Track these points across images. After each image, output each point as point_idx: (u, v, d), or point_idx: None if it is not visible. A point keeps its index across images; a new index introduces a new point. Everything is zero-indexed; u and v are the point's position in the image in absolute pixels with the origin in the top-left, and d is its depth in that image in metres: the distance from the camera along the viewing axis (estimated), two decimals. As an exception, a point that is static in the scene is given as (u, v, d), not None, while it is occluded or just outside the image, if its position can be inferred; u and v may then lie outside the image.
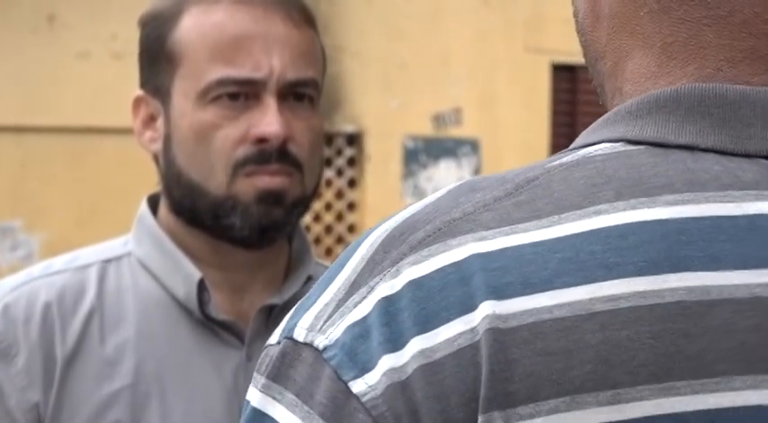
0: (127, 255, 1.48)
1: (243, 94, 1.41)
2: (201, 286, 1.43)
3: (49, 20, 5.52)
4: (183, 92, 1.43)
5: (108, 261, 1.48)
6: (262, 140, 1.40)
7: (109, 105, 5.44)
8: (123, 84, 5.55)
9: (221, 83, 1.41)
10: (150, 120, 1.47)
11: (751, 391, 0.65)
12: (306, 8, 1.49)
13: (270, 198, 1.41)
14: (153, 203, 1.50)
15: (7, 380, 1.40)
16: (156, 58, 1.45)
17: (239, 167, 1.40)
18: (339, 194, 5.95)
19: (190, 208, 1.44)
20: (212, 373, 1.42)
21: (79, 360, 1.41)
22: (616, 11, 0.76)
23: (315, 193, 1.49)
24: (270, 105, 1.41)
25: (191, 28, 1.43)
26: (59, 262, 1.49)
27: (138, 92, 1.49)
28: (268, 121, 1.40)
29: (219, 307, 1.45)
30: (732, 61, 0.72)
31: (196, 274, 1.43)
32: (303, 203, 1.46)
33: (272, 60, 1.42)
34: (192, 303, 1.43)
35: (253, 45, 1.42)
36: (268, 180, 1.41)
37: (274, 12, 1.43)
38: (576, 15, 0.81)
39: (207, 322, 1.44)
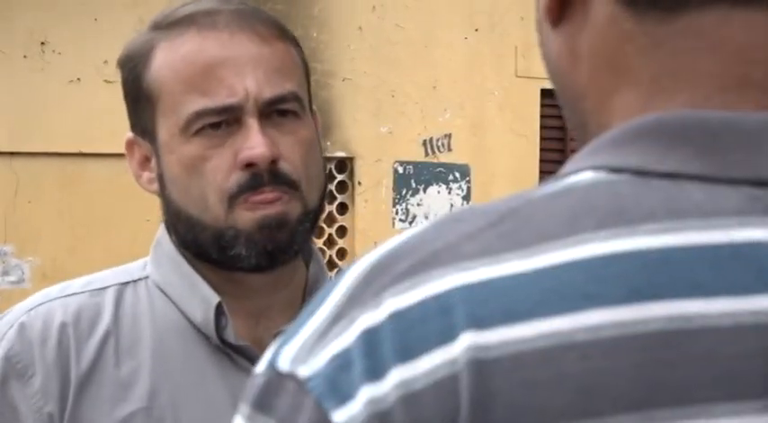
0: (145, 278, 1.47)
1: (224, 121, 1.39)
2: (219, 310, 1.41)
3: (41, 46, 5.53)
4: (166, 129, 1.41)
5: (125, 284, 1.47)
6: (250, 165, 1.38)
7: (101, 131, 5.45)
8: (115, 109, 5.52)
9: (199, 115, 1.38)
10: (145, 161, 1.45)
11: (731, 417, 0.65)
12: (274, 21, 1.46)
13: (271, 224, 1.38)
14: (168, 227, 1.47)
15: (24, 400, 1.38)
16: (138, 100, 1.44)
17: (234, 198, 1.38)
18: (329, 219, 5.96)
19: (194, 242, 1.42)
20: (228, 399, 1.40)
21: (93, 382, 1.39)
22: (597, 49, 0.76)
23: (321, 206, 1.46)
24: (252, 128, 1.38)
25: (162, 64, 1.41)
26: (76, 284, 1.47)
27: (129, 134, 1.48)
28: (252, 144, 1.37)
29: (236, 332, 1.43)
30: (723, 89, 0.72)
31: (214, 298, 1.41)
32: (308, 219, 1.42)
33: (246, 82, 1.39)
34: (210, 328, 1.41)
35: (224, 71, 1.39)
36: (266, 209, 1.38)
37: (241, 32, 1.40)
38: (547, 58, 0.81)
39: (223, 347, 1.42)
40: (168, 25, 1.43)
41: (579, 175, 0.72)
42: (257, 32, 1.42)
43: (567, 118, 0.82)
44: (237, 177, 1.38)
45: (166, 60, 1.41)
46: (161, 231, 1.48)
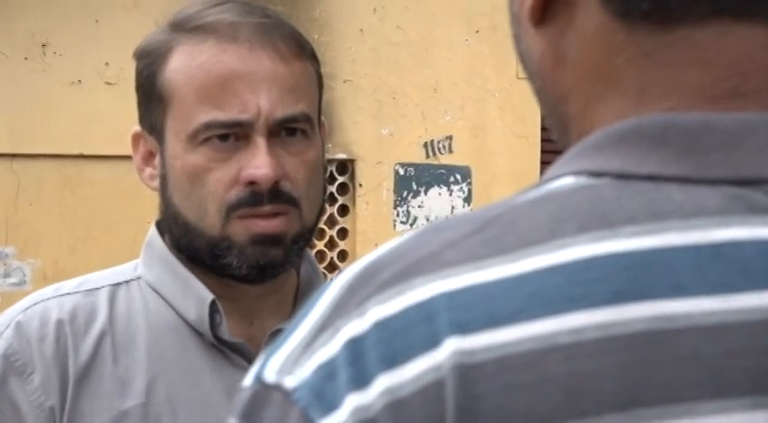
0: (137, 279, 1.48)
1: (232, 134, 1.39)
2: (213, 308, 1.42)
3: (41, 48, 5.53)
4: (174, 132, 1.41)
5: (117, 285, 1.48)
6: (252, 183, 1.39)
7: (101, 133, 5.45)
8: (115, 111, 5.56)
9: (209, 126, 1.39)
10: (149, 156, 1.46)
11: (719, 415, 0.65)
12: (296, 37, 1.46)
13: (266, 241, 1.39)
14: (161, 228, 1.49)
15: (25, 397, 1.39)
16: (150, 97, 1.44)
17: (232, 210, 1.39)
18: (330, 221, 5.96)
19: (188, 247, 1.43)
20: (223, 396, 1.41)
21: (91, 378, 1.41)
22: (585, 57, 0.76)
23: (317, 224, 1.46)
24: (259, 146, 1.38)
25: (178, 69, 1.41)
26: (69, 285, 1.49)
27: (136, 128, 1.48)
28: (257, 163, 1.38)
29: (229, 330, 1.44)
30: (712, 99, 0.72)
31: (208, 295, 1.42)
32: (304, 237, 1.44)
33: (260, 100, 1.39)
34: (204, 325, 1.42)
35: (239, 85, 1.39)
36: (263, 224, 1.39)
37: (260, 48, 1.41)
38: (526, 55, 0.81)
39: (218, 345, 1.43)
40: (190, 29, 1.43)
41: (560, 180, 0.73)
42: (277, 49, 1.42)
43: (546, 117, 0.82)
44: (238, 192, 1.39)
45: (183, 65, 1.41)
46: (152, 232, 1.49)
